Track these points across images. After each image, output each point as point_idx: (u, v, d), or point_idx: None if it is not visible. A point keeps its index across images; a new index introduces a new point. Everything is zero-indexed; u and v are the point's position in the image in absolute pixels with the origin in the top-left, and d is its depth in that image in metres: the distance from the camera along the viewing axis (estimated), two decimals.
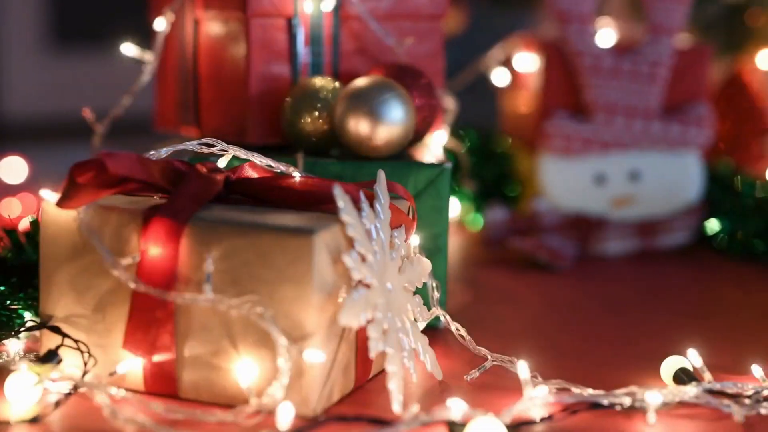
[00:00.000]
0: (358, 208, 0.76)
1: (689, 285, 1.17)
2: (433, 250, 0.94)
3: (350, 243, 0.75)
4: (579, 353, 0.92)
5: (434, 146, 1.03)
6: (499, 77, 1.36)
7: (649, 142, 1.24)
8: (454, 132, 1.39)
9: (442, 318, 0.86)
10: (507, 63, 1.36)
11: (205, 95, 1.02)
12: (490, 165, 1.37)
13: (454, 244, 1.29)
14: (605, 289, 1.14)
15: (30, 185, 1.36)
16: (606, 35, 1.28)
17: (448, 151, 1.31)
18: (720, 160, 1.36)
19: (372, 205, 0.78)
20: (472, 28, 1.78)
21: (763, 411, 0.77)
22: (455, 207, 1.35)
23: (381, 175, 0.80)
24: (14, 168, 1.51)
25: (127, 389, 0.76)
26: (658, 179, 1.25)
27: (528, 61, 1.30)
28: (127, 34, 1.04)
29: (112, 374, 0.77)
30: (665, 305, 1.09)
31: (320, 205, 0.79)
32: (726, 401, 0.77)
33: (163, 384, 0.77)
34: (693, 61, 1.27)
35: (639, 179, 1.25)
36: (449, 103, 1.13)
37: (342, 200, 0.74)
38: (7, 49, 2.70)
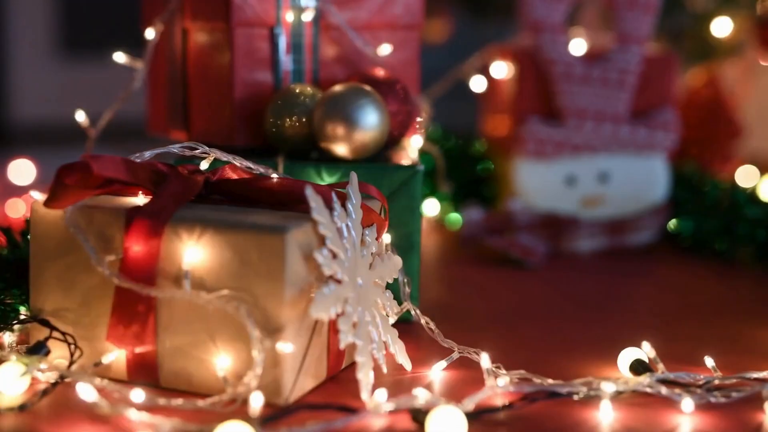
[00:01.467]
0: (330, 208, 0.77)
1: (654, 281, 1.18)
2: (407, 247, 0.94)
3: (322, 241, 0.76)
4: (543, 345, 0.93)
5: (410, 149, 1.04)
6: (477, 84, 1.37)
7: (618, 146, 1.25)
8: (433, 136, 1.40)
9: (412, 312, 0.87)
10: (484, 70, 1.36)
11: (193, 101, 1.03)
12: (468, 167, 1.38)
13: (432, 242, 1.30)
14: (574, 284, 1.15)
15: (37, 187, 1.37)
16: (577, 44, 1.29)
17: (426, 154, 1.31)
18: (686, 162, 1.36)
19: (344, 205, 0.78)
20: (456, 37, 1.79)
21: (713, 400, 0.77)
22: (434, 207, 1.36)
23: (353, 176, 0.81)
24: (22, 170, 1.52)
25: (110, 379, 0.77)
26: (626, 180, 1.26)
27: (503, 69, 1.30)
28: (131, 43, 1.05)
29: (97, 365, 0.78)
30: (629, 300, 1.09)
31: (295, 204, 0.79)
32: (678, 390, 0.77)
33: (144, 374, 0.77)
34: (660, 69, 1.27)
35: (608, 180, 1.26)
36: (425, 108, 1.13)
37: (313, 200, 0.75)
38: (17, 56, 2.70)
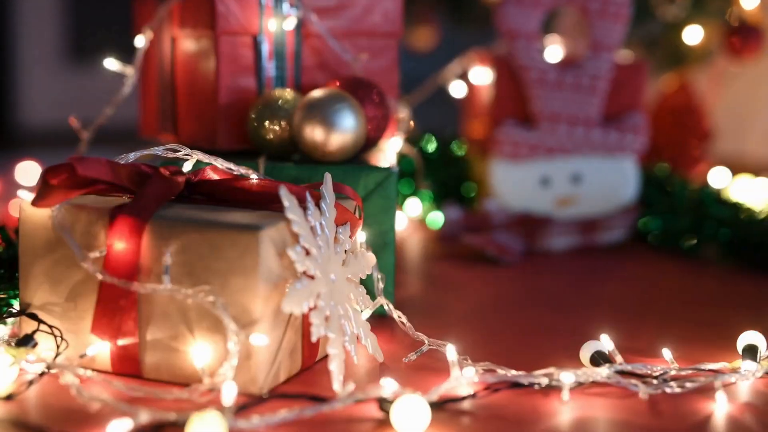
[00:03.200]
0: (304, 207, 0.77)
1: (622, 277, 1.18)
2: (382, 245, 0.95)
3: (295, 238, 0.76)
4: (511, 338, 0.93)
5: (388, 152, 1.04)
6: (457, 89, 1.37)
7: (590, 148, 1.25)
8: (416, 139, 1.40)
9: (385, 306, 0.87)
10: (464, 76, 1.37)
11: (181, 105, 1.03)
12: (449, 168, 1.38)
13: (413, 239, 1.31)
14: (546, 281, 1.15)
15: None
16: (552, 51, 1.30)
17: (406, 157, 1.32)
18: (656, 164, 1.37)
19: (318, 204, 0.79)
20: (443, 44, 1.79)
21: (668, 390, 0.78)
22: (416, 206, 1.37)
23: (327, 177, 0.81)
24: (29, 172, 1.52)
25: (95, 370, 0.77)
26: (598, 181, 1.26)
27: (481, 75, 1.31)
28: (136, 50, 1.05)
29: (82, 356, 0.78)
30: (598, 295, 1.10)
31: (272, 204, 0.80)
32: (634, 381, 0.78)
33: (127, 365, 0.78)
34: (630, 75, 1.28)
35: (580, 181, 1.26)
36: (404, 112, 1.13)
37: (287, 200, 0.75)
38: (26, 62, 2.71)
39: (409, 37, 1.74)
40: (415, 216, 1.37)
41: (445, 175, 1.37)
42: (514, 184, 1.25)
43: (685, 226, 1.25)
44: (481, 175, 1.30)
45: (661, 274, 1.19)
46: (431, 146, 1.40)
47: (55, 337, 0.79)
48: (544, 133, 1.25)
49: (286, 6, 0.98)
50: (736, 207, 1.23)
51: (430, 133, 1.42)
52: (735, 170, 1.57)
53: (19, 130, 2.67)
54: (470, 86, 1.36)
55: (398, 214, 1.00)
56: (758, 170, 1.59)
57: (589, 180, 1.26)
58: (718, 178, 1.41)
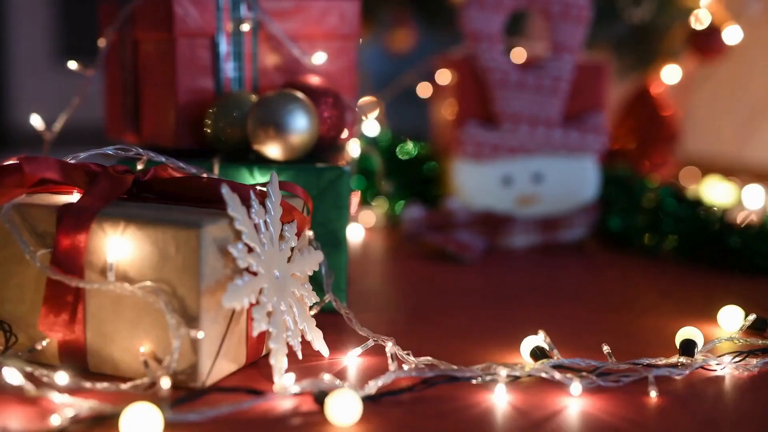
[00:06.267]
0: (248, 205, 0.78)
1: (579, 275, 1.19)
2: (335, 243, 0.96)
3: (238, 236, 0.77)
4: (459, 334, 0.93)
5: (346, 151, 1.05)
6: (424, 90, 1.38)
7: (551, 148, 1.26)
8: (382, 138, 1.41)
9: (333, 303, 0.88)
10: (431, 78, 1.38)
11: (143, 106, 1.04)
12: (413, 167, 1.39)
13: (377, 238, 1.31)
14: (503, 278, 1.16)
15: None
16: (515, 53, 1.30)
17: (368, 156, 1.33)
18: (618, 163, 1.37)
19: (262, 203, 0.80)
20: (421, 46, 1.80)
21: (603, 384, 0.79)
22: (381, 205, 1.37)
23: (273, 176, 0.82)
24: None
25: (44, 364, 0.78)
26: (559, 180, 1.27)
27: (446, 76, 1.31)
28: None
29: (30, 351, 0.79)
30: (552, 292, 1.10)
31: (218, 202, 0.80)
32: (570, 375, 0.78)
33: (74, 359, 0.79)
34: (592, 76, 1.29)
35: (542, 180, 1.27)
36: (364, 113, 1.14)
37: (229, 198, 0.76)
38: (17, 63, 2.72)
39: (387, 39, 1.75)
40: (377, 214, 1.38)
41: (409, 175, 1.38)
42: (476, 183, 1.26)
43: (644, 224, 1.25)
44: (444, 174, 1.31)
45: (617, 271, 1.19)
46: (395, 145, 1.41)
47: (5, 332, 0.80)
48: (506, 133, 1.25)
49: (243, 8, 0.99)
50: (693, 205, 1.24)
51: (392, 132, 1.43)
52: (704, 171, 1.58)
53: (11, 131, 2.68)
54: (436, 87, 1.36)
55: (362, 212, 1.01)
56: (727, 171, 1.60)
57: (550, 179, 1.27)
58: (686, 178, 1.42)
